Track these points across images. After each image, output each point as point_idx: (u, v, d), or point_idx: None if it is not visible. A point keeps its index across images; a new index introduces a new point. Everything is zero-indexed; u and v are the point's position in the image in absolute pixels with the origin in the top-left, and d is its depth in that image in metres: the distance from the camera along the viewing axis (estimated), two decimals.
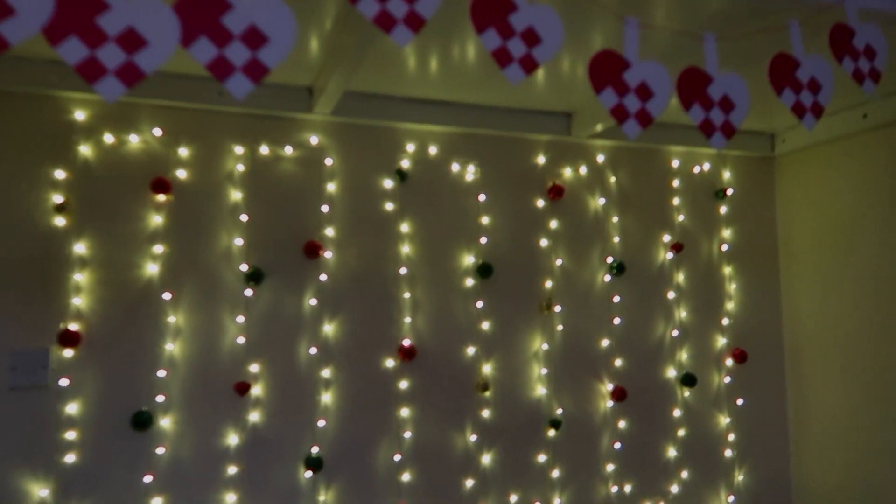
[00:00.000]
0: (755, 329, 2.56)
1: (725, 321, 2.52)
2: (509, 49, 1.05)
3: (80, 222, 1.86)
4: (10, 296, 1.78)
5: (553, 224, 2.33)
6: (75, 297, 1.83)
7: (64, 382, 1.80)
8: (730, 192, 2.58)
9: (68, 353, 1.82)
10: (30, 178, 1.83)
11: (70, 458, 1.80)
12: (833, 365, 2.39)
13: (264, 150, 2.05)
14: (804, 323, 2.53)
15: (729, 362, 2.50)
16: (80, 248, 1.85)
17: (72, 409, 1.81)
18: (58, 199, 1.84)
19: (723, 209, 2.57)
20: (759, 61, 1.42)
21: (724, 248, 2.55)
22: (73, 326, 1.82)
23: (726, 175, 2.60)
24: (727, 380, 2.49)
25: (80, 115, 1.88)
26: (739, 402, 2.49)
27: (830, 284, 2.42)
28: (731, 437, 2.48)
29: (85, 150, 1.88)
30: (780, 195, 2.66)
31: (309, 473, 1.99)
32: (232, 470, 1.93)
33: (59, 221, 1.84)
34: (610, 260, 2.38)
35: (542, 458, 2.24)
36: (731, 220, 2.58)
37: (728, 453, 2.47)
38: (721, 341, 2.51)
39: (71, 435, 1.80)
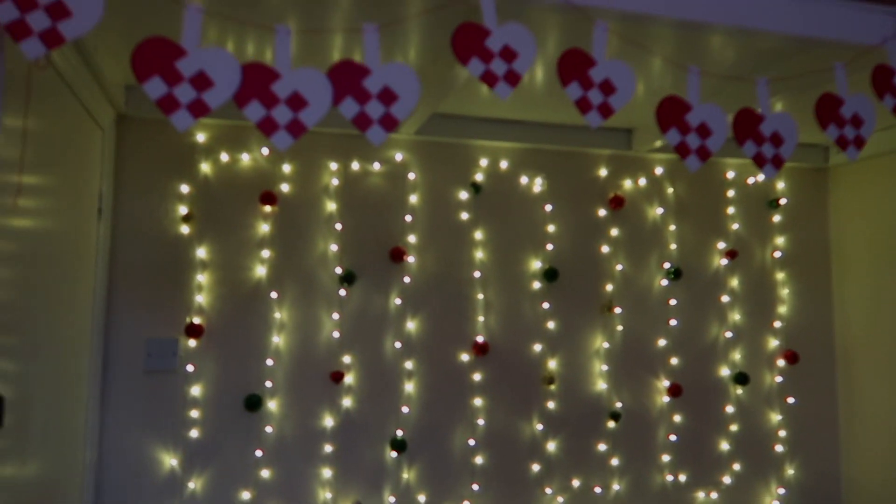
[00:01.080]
0: (807, 332, 2.70)
1: (778, 324, 2.67)
2: (590, 98, 1.26)
3: (201, 230, 2.15)
4: (145, 293, 2.09)
5: (614, 232, 2.52)
6: (198, 295, 2.13)
7: (190, 368, 2.10)
8: (783, 201, 2.72)
9: (193, 343, 2.11)
10: (160, 191, 2.13)
11: (194, 433, 2.09)
12: (882, 368, 2.52)
13: (355, 166, 2.31)
14: (855, 327, 2.66)
15: (781, 363, 2.65)
16: (201, 252, 2.14)
17: (195, 391, 2.11)
18: (183, 210, 2.13)
19: (776, 218, 2.72)
20: (808, 90, 1.61)
21: (778, 255, 2.69)
22: (197, 320, 2.11)
23: (780, 186, 2.74)
24: (779, 379, 2.64)
25: (201, 138, 2.17)
26: (791, 400, 2.64)
27: (881, 291, 2.54)
28: (783, 433, 2.63)
29: (205, 167, 2.17)
30: (833, 205, 2.78)
31: (394, 454, 2.25)
32: (328, 448, 2.20)
33: (185, 229, 2.13)
34: (667, 265, 2.56)
35: (602, 447, 2.44)
36: (785, 229, 2.72)
37: (779, 448, 2.62)
38: (773, 343, 2.66)
39: (195, 413, 2.10)
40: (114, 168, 2.09)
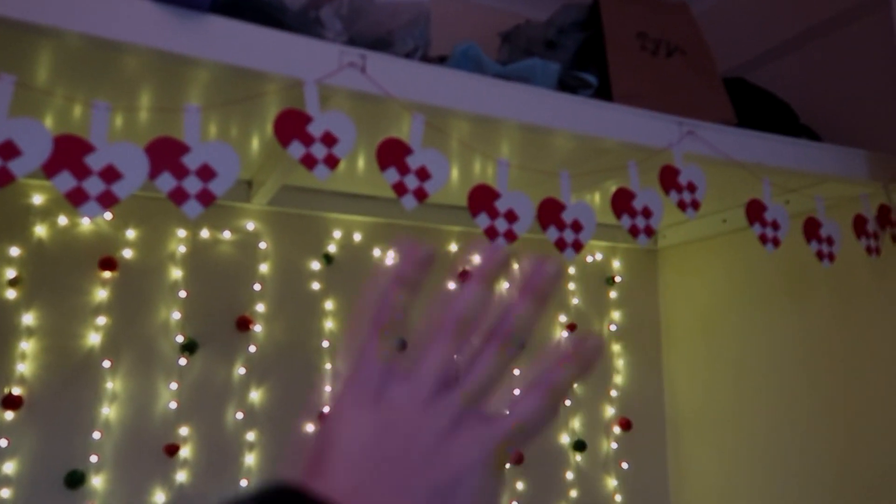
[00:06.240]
0: (640, 401, 2.90)
1: (614, 392, 2.86)
2: (405, 183, 1.37)
3: (29, 295, 2.05)
4: None
5: None
6: (20, 364, 2.01)
7: (2, 443, 1.96)
8: (618, 279, 2.97)
9: (10, 415, 1.98)
10: None
11: None
12: (708, 434, 2.75)
13: (205, 233, 2.30)
14: (682, 396, 2.90)
15: (616, 430, 2.83)
16: (28, 318, 2.04)
17: (8, 468, 1.96)
18: (11, 273, 2.04)
19: (612, 294, 2.95)
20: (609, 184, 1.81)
21: (613, 328, 2.91)
22: (17, 390, 1.99)
23: (616, 264, 2.99)
24: (614, 446, 2.81)
25: (37, 199, 2.10)
26: (625, 465, 2.81)
27: (706, 363, 2.80)
28: (618, 497, 2.78)
29: (40, 230, 2.10)
30: (662, 283, 3.06)
31: None
32: None
33: (11, 294, 2.03)
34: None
35: None
36: (620, 304, 2.96)
37: None
38: (610, 411, 2.84)
39: (5, 493, 1.94)
40: None
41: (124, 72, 1.42)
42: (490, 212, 1.44)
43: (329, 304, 2.44)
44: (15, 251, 2.05)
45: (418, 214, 2.58)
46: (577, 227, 1.55)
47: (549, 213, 1.54)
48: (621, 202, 1.61)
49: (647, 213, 1.63)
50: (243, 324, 2.28)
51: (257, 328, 2.32)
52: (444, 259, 2.66)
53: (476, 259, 2.70)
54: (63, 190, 1.14)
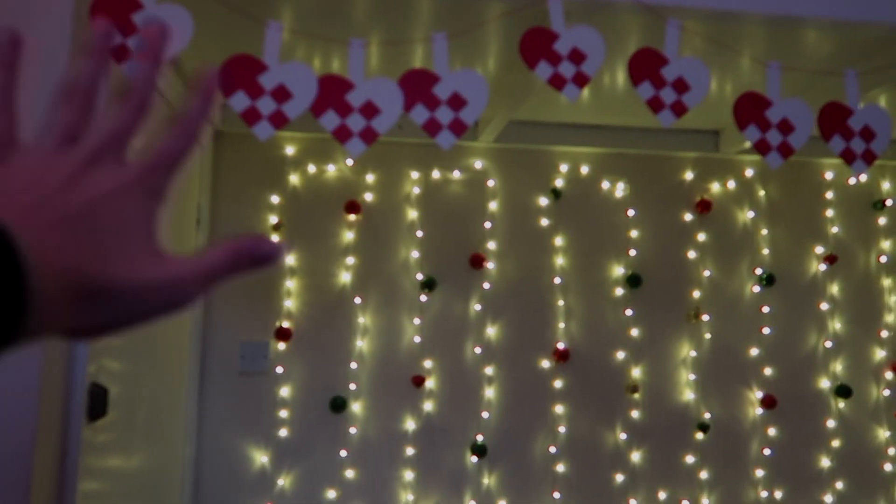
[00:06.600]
0: None
1: (885, 333, 2.49)
2: (662, 97, 1.24)
3: (290, 238, 2.26)
4: (239, 298, 2.21)
5: (701, 237, 2.44)
6: (287, 300, 2.23)
7: (279, 370, 2.20)
8: (889, 203, 2.55)
9: (282, 345, 2.22)
10: (253, 202, 2.26)
11: (283, 432, 2.19)
12: None
13: (436, 174, 2.35)
14: None
15: (889, 375, 2.47)
16: (290, 259, 2.25)
17: (284, 392, 2.21)
18: (274, 219, 2.25)
19: (882, 220, 2.54)
20: None
21: (884, 259, 2.52)
22: (286, 324, 2.22)
23: (885, 186, 2.57)
24: (886, 393, 2.47)
25: (290, 150, 2.29)
26: None
27: None
28: (892, 451, 2.45)
29: (294, 178, 2.28)
30: None
31: (475, 459, 2.26)
32: (410, 451, 2.24)
33: (275, 238, 2.25)
34: (759, 271, 2.45)
35: (690, 459, 2.36)
36: (892, 232, 2.54)
37: (888, 467, 2.44)
38: (880, 354, 2.48)
39: (283, 413, 2.20)
40: (211, 181, 2.23)
41: (355, 11, 1.44)
42: (760, 123, 1.27)
43: (559, 240, 2.38)
44: (275, 199, 2.26)
45: (648, 141, 2.41)
46: (867, 134, 1.31)
47: (834, 120, 1.32)
48: None
49: None
50: (477, 261, 2.31)
51: (490, 265, 2.34)
52: (678, 188, 2.46)
53: (714, 186, 2.46)
54: (330, 128, 1.18)
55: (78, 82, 0.42)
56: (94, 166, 0.40)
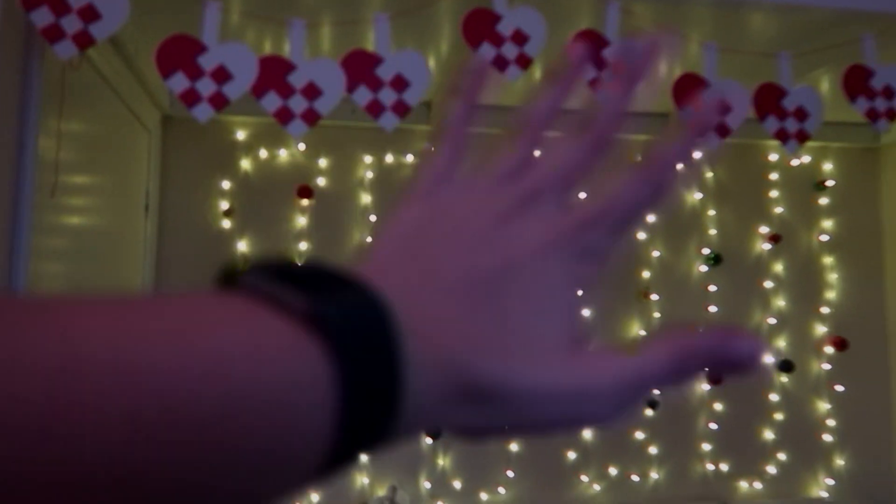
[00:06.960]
0: (856, 318, 2.60)
1: (825, 310, 2.59)
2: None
3: (242, 224, 2.23)
4: (190, 284, 2.18)
5: (650, 218, 2.49)
6: None
7: None
8: (830, 183, 2.63)
9: None
10: (204, 188, 2.23)
11: None
12: None
13: (389, 158, 2.35)
14: None
15: (829, 350, 2.57)
16: (242, 245, 2.23)
17: None
18: (224, 205, 2.22)
19: (823, 200, 2.63)
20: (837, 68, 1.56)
21: (825, 238, 2.61)
22: None
23: (827, 167, 2.65)
24: (826, 367, 2.57)
25: (241, 135, 2.26)
26: (839, 388, 2.56)
27: None
28: (831, 422, 2.55)
29: (245, 163, 2.26)
30: (884, 185, 2.68)
31: (429, 440, 2.29)
32: None
33: (226, 224, 2.22)
34: (706, 251, 2.52)
35: (639, 435, 2.42)
36: (833, 212, 2.63)
37: (827, 438, 2.54)
38: (820, 329, 2.58)
39: None
40: (160, 167, 2.20)
41: None
42: (697, 105, 1.30)
43: None
44: (226, 184, 2.24)
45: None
46: (800, 114, 1.36)
47: (767, 100, 1.36)
48: (854, 83, 1.39)
49: (888, 94, 1.39)
50: None
51: None
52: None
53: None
54: (271, 110, 1.18)
55: (538, 112, 0.34)
56: (528, 208, 0.32)
